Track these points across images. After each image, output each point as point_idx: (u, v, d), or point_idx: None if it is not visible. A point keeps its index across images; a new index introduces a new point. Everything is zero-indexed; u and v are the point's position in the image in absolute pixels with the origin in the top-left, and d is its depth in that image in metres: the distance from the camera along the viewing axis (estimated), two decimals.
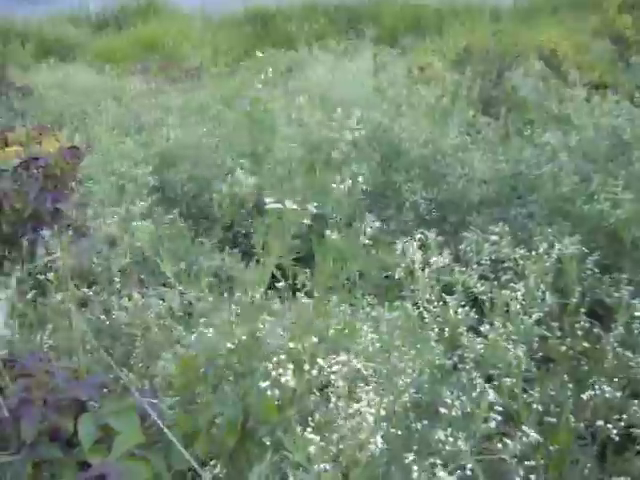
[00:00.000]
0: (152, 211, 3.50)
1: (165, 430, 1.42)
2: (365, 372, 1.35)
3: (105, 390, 1.68)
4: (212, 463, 1.48)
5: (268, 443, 1.45)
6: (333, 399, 1.25)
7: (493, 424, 1.55)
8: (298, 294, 1.71)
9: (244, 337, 1.44)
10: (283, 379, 1.25)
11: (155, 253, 3.32)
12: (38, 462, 1.52)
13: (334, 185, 1.71)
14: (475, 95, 4.85)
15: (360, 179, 1.91)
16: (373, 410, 1.23)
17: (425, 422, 1.59)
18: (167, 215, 3.48)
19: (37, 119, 6.01)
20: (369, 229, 1.70)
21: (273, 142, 4.39)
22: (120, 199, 3.51)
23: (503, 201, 3.61)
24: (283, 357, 1.38)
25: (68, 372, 1.79)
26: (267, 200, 1.53)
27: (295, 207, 1.50)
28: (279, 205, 1.52)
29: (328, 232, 1.53)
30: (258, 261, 2.46)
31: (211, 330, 1.52)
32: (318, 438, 1.18)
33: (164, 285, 2.91)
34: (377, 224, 1.76)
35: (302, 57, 7.96)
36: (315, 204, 1.57)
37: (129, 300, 2.28)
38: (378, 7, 12.00)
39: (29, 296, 2.64)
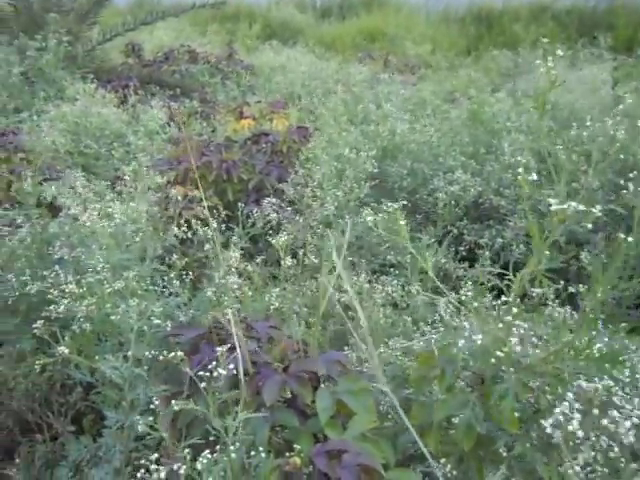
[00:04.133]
0: (369, 200, 3.55)
1: (403, 417, 1.43)
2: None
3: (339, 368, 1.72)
4: (442, 461, 1.47)
5: (505, 455, 1.42)
6: None
7: None
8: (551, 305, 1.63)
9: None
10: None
11: (371, 239, 3.39)
12: (273, 426, 1.60)
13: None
14: None
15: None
16: None
17: None
18: (383, 205, 3.51)
19: (262, 97, 6.35)
20: None
21: (497, 145, 4.29)
22: (339, 183, 3.59)
23: None
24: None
25: (296, 344, 1.86)
26: (552, 201, 1.45)
27: (582, 208, 1.42)
28: (564, 206, 1.43)
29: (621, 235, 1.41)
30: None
31: (478, 330, 1.49)
32: None
33: (381, 273, 2.96)
34: None
35: (528, 60, 7.68)
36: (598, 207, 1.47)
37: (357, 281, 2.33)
38: (614, 14, 11.24)
39: (257, 260, 2.76)
